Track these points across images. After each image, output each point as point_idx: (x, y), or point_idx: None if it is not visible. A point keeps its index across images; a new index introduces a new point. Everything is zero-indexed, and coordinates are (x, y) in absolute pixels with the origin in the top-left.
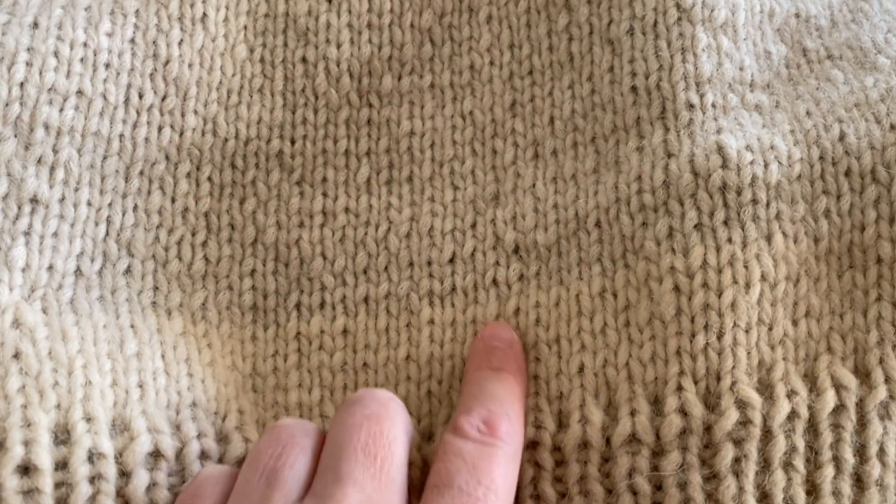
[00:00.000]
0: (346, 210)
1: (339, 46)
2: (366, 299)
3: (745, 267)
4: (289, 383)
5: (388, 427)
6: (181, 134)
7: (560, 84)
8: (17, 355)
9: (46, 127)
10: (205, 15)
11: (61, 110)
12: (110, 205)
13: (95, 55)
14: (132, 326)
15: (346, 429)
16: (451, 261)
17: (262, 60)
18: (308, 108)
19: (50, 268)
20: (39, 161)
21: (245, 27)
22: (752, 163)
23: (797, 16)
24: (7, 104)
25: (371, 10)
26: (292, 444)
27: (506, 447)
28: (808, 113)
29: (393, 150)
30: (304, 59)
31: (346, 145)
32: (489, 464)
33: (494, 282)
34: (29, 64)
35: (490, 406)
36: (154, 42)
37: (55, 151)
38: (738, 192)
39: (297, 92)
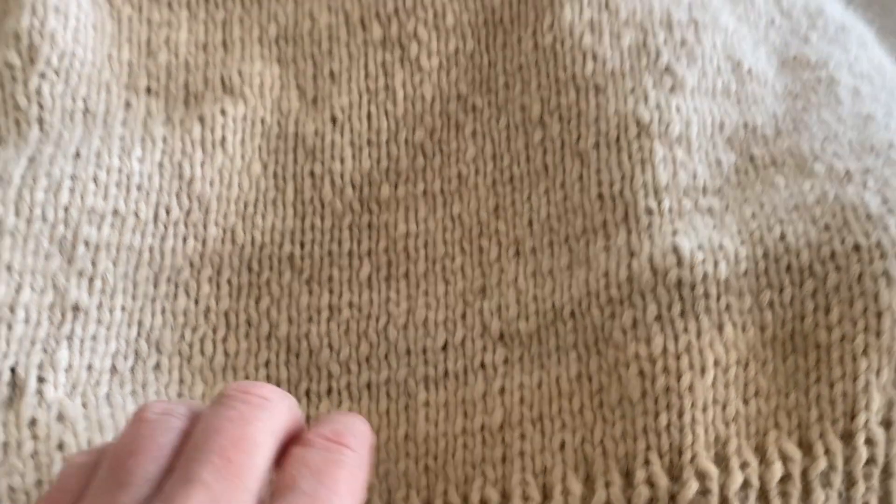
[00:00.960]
0: (350, 305)
1: (342, 161)
2: (368, 385)
3: (700, 354)
4: None
5: (253, 431)
6: (203, 243)
7: (537, 190)
8: (60, 446)
9: (86, 244)
10: (223, 138)
11: (99, 228)
12: (141, 309)
13: (128, 178)
14: None
15: (207, 431)
16: (444, 348)
17: (275, 175)
18: (315, 215)
19: (89, 367)
20: (80, 273)
21: (259, 147)
22: (703, 261)
23: (745, 126)
24: (53, 225)
25: (370, 129)
26: (149, 443)
27: (352, 455)
28: (753, 215)
29: (391, 250)
30: (311, 173)
31: (349, 247)
32: (334, 469)
33: (482, 365)
34: (72, 189)
35: (337, 425)
36: (179, 164)
37: (94, 264)
38: (692, 288)
39: (306, 202)
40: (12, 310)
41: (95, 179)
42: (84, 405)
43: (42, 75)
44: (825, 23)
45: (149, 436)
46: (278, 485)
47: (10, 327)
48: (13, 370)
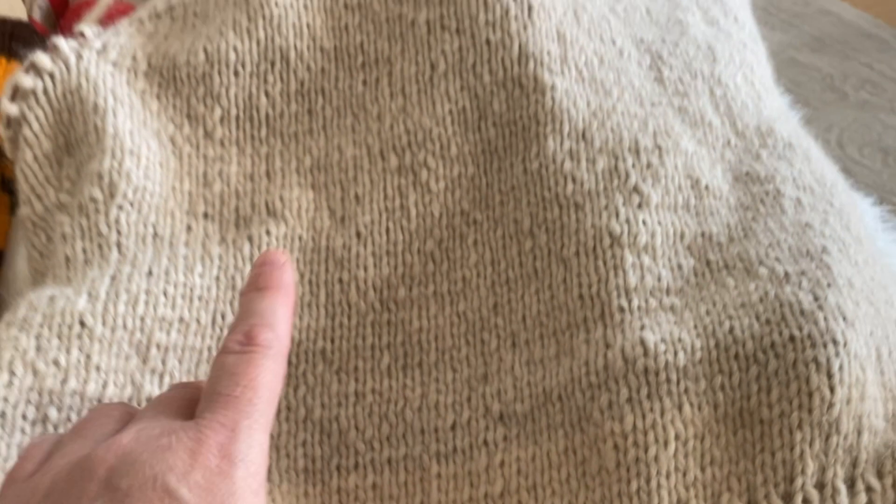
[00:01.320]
0: (373, 391)
1: (365, 269)
2: (389, 460)
3: (664, 429)
4: None
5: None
6: None
7: (529, 290)
8: None
9: (158, 346)
10: None
11: (168, 333)
12: None
13: (191, 291)
14: None
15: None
16: (453, 427)
17: (310, 283)
18: (343, 315)
19: None
20: (153, 371)
21: (297, 259)
22: (665, 352)
23: (703, 235)
24: (132, 332)
25: (389, 241)
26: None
27: (266, 351)
28: (707, 312)
29: (407, 343)
30: (340, 280)
31: (371, 341)
32: (247, 367)
33: (485, 442)
34: (146, 302)
35: (252, 321)
36: (232, 277)
37: (163, 363)
38: (656, 374)
39: (336, 304)
40: (100, 402)
41: (165, 293)
42: None
43: (120, 207)
44: (774, 141)
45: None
46: (203, 392)
47: None
48: None
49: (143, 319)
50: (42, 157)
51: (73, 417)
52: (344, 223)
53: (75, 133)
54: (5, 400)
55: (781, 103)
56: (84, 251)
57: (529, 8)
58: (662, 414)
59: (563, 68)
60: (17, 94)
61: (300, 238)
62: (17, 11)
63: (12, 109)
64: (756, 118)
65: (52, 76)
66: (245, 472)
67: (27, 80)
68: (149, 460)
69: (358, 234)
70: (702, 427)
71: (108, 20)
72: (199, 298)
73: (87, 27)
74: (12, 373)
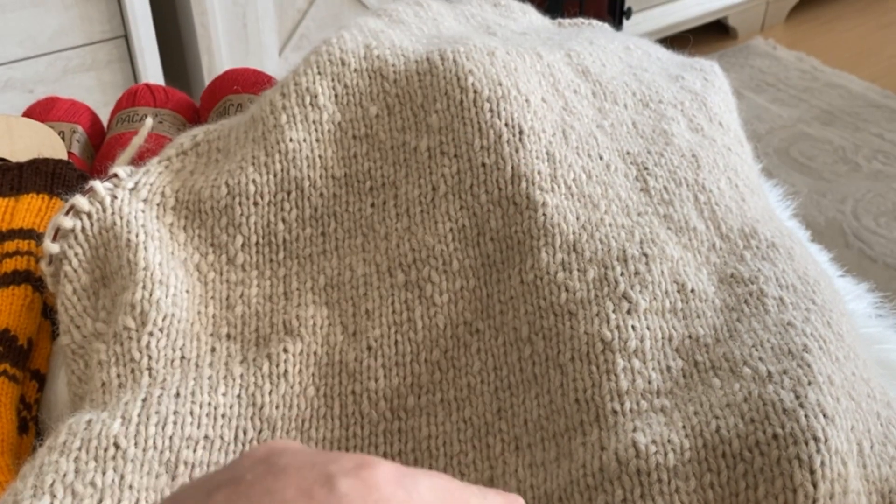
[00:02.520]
0: None
1: (376, 381)
2: None
3: None
4: None
5: None
6: None
7: (529, 395)
8: None
9: (185, 463)
10: (286, 371)
11: (195, 451)
12: None
13: (215, 410)
14: None
15: None
16: None
17: (324, 395)
18: (357, 425)
19: None
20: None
21: (313, 374)
22: (655, 453)
23: (690, 337)
24: (161, 451)
25: (397, 353)
26: None
27: None
28: (695, 413)
29: (417, 450)
30: (353, 392)
31: (384, 449)
32: None
33: None
34: (175, 423)
35: None
36: (252, 394)
37: (190, 478)
38: (648, 475)
39: (349, 414)
40: None
41: (192, 413)
42: None
43: (150, 334)
44: (758, 242)
45: None
46: None
47: None
48: None
49: (171, 439)
50: (80, 290)
51: None
52: (356, 337)
53: (110, 266)
54: None
55: (767, 202)
56: (118, 376)
57: (520, 132)
58: None
59: (553, 186)
60: (58, 234)
61: (315, 353)
62: (59, 152)
63: (54, 248)
64: (740, 220)
65: (89, 216)
66: None
67: (67, 222)
68: None
69: (369, 348)
70: None
71: (140, 158)
72: (223, 416)
73: (121, 168)
74: (53, 495)
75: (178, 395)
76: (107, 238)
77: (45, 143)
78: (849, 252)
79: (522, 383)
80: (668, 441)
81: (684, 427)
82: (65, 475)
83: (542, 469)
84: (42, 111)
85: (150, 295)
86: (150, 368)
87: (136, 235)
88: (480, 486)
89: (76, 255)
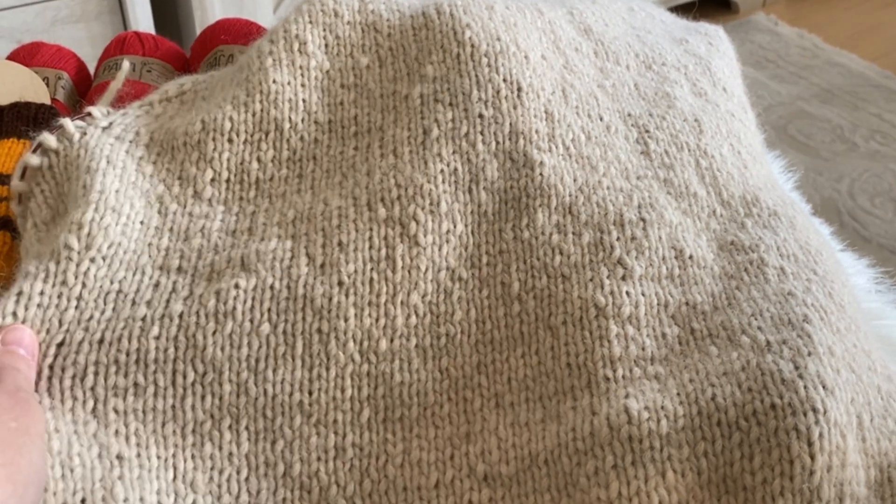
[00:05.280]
0: (353, 445)
1: (346, 320)
2: None
3: (647, 496)
4: None
5: None
6: (220, 398)
7: (514, 354)
8: None
9: (116, 411)
10: (234, 308)
11: (124, 399)
12: (174, 455)
13: (146, 355)
14: None
15: None
16: (436, 486)
17: (284, 332)
18: (321, 366)
19: (141, 499)
20: (116, 433)
21: (269, 309)
22: (648, 419)
23: (687, 304)
24: (84, 402)
25: (372, 292)
26: None
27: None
28: (690, 380)
29: (388, 396)
30: (318, 330)
31: (350, 393)
32: None
33: (470, 503)
34: (96, 373)
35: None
36: (193, 335)
37: (125, 426)
38: (640, 441)
39: (314, 355)
40: (70, 457)
41: (116, 361)
42: None
43: (92, 260)
44: (759, 210)
45: None
46: None
47: (72, 470)
48: (83, 502)
49: (93, 389)
50: (41, 223)
51: (49, 471)
52: (324, 270)
53: (70, 197)
54: None
55: (770, 170)
56: (41, 294)
57: (519, 89)
58: (646, 481)
59: (551, 145)
60: (26, 172)
61: (272, 287)
62: (42, 97)
63: (21, 187)
64: (741, 187)
65: (56, 153)
66: None
67: (34, 160)
68: None
69: (340, 283)
70: (685, 493)
71: (120, 102)
72: (155, 361)
73: (96, 108)
74: None
75: (101, 340)
76: (70, 171)
77: (27, 87)
78: (843, 231)
79: (507, 340)
80: (662, 408)
81: (679, 394)
82: None
83: (525, 429)
84: (26, 56)
85: (101, 219)
86: (79, 299)
87: (97, 163)
88: None
89: (42, 191)
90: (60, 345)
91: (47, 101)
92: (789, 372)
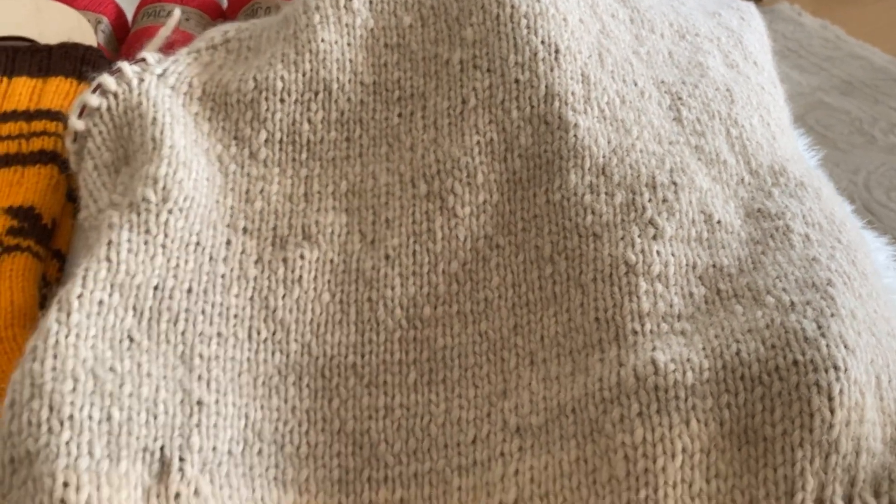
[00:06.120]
0: (401, 405)
1: (393, 289)
2: (415, 475)
3: (672, 443)
4: None
5: None
6: (287, 356)
7: (547, 313)
8: None
9: (200, 356)
10: (301, 276)
11: (208, 346)
12: (246, 405)
13: (227, 310)
14: (262, 499)
15: None
16: (473, 441)
17: (340, 301)
18: (372, 331)
19: (214, 449)
20: (199, 378)
21: (329, 280)
22: (674, 371)
23: (714, 266)
24: (175, 346)
25: (415, 263)
26: None
27: None
28: (716, 336)
29: (432, 360)
30: (369, 299)
31: (399, 357)
32: None
33: (502, 453)
34: (186, 320)
35: None
36: (265, 297)
37: (208, 371)
38: (665, 391)
39: (365, 321)
40: (156, 404)
41: (203, 312)
42: (211, 481)
43: (170, 212)
44: (786, 179)
45: None
46: None
47: (155, 417)
48: (162, 449)
49: (183, 334)
50: (101, 166)
51: (135, 417)
52: (374, 245)
53: (133, 145)
54: (72, 404)
55: (796, 144)
56: (129, 241)
57: (556, 51)
58: (671, 428)
59: (586, 107)
60: (84, 111)
61: (331, 261)
62: (89, 39)
63: (79, 125)
64: (770, 157)
65: (115, 96)
66: None
67: (94, 100)
68: None
69: (386, 257)
70: (708, 442)
71: (167, 49)
72: (235, 317)
73: (149, 54)
74: (76, 379)
75: (190, 290)
76: (132, 117)
77: (75, 28)
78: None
79: (541, 301)
80: (688, 360)
81: (704, 349)
82: (84, 360)
83: (555, 382)
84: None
85: (175, 173)
86: (164, 247)
87: (163, 116)
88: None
89: (100, 132)
90: (156, 288)
91: (94, 44)
92: (812, 331)
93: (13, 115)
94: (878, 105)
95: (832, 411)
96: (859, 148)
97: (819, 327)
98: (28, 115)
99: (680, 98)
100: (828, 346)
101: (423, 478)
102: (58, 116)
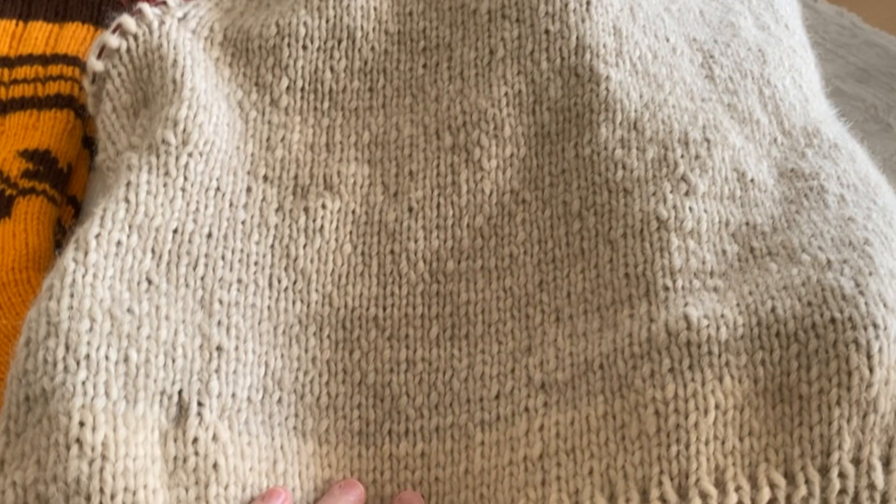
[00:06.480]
0: (423, 359)
1: (416, 242)
2: (437, 428)
3: (704, 399)
4: (384, 493)
5: None
6: (308, 306)
7: (574, 269)
8: (215, 465)
9: (220, 302)
10: (322, 226)
11: (228, 291)
12: (266, 353)
13: (248, 257)
14: (282, 448)
15: None
16: (497, 397)
17: (362, 253)
18: (394, 284)
19: (233, 395)
20: (219, 323)
21: (350, 231)
22: (708, 326)
23: (747, 224)
24: (194, 290)
25: (439, 216)
26: None
27: None
28: (750, 292)
29: (455, 315)
30: (391, 251)
31: (421, 311)
32: None
33: (526, 409)
34: (206, 265)
35: None
36: (286, 246)
37: (228, 317)
38: (698, 346)
39: (387, 274)
40: (174, 347)
41: (223, 257)
42: (229, 427)
43: (190, 154)
44: (820, 141)
45: None
46: None
47: (174, 361)
48: (180, 393)
49: (203, 279)
50: (120, 108)
51: (152, 359)
52: (397, 198)
53: (153, 87)
54: (88, 343)
55: (828, 109)
56: (148, 183)
57: (588, 2)
58: (703, 384)
59: (618, 61)
60: (103, 52)
61: (353, 212)
62: None
63: (98, 66)
64: (803, 119)
65: (135, 37)
66: None
67: (113, 40)
68: None
69: (410, 209)
70: (741, 399)
71: None
72: (256, 264)
73: None
74: (92, 319)
75: (209, 235)
76: (152, 59)
77: None
78: None
79: (568, 257)
80: (722, 316)
81: (738, 305)
82: (101, 301)
83: (582, 339)
84: None
85: (195, 116)
86: (183, 190)
87: (184, 58)
88: None
89: (119, 74)
90: (175, 231)
91: None
92: (850, 289)
93: (29, 59)
94: (894, 93)
95: (871, 370)
96: (874, 136)
97: (857, 285)
98: (44, 60)
99: (712, 56)
100: (866, 304)
101: (445, 432)
102: (75, 61)
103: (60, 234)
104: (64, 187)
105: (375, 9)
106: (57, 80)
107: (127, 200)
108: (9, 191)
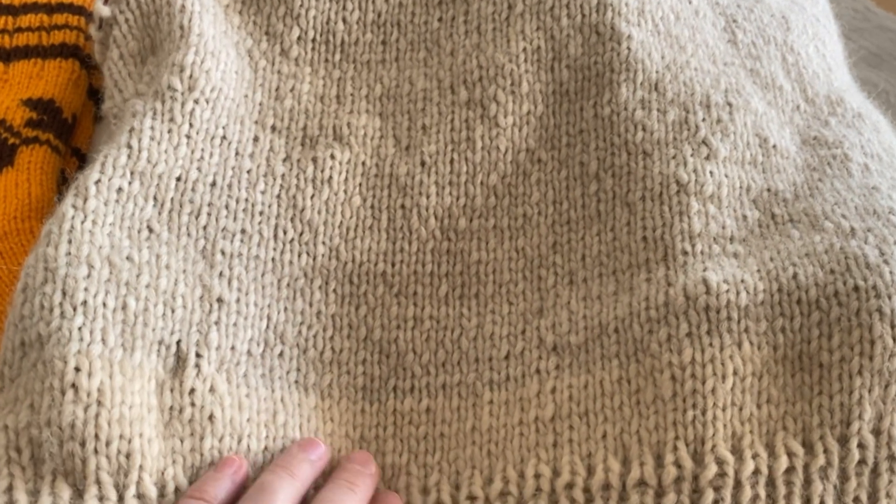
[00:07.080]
0: (431, 317)
1: (427, 197)
2: (443, 386)
3: (722, 364)
4: (386, 448)
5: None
6: (314, 258)
7: (590, 232)
8: (211, 417)
9: (223, 253)
10: (331, 177)
11: (231, 242)
12: (269, 306)
13: (252, 206)
14: (282, 400)
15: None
16: (506, 357)
17: (372, 206)
18: (404, 240)
19: (232, 348)
20: (221, 275)
21: (360, 184)
22: (727, 291)
23: (769, 190)
24: (196, 240)
25: (452, 172)
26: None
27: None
28: (771, 259)
29: (465, 273)
30: (402, 206)
31: (431, 268)
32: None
33: (537, 371)
34: (209, 214)
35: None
36: (293, 196)
37: (230, 268)
38: (717, 311)
39: (397, 229)
40: (174, 297)
41: (227, 207)
42: (228, 380)
43: (196, 101)
44: (844, 110)
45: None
46: None
47: (173, 311)
48: (178, 344)
49: (205, 229)
50: (127, 56)
51: (151, 308)
52: (409, 151)
53: (160, 34)
54: (86, 290)
55: (851, 80)
56: (152, 129)
57: None
58: (722, 349)
59: (640, 20)
60: None
61: (363, 164)
62: None
63: (105, 11)
64: (826, 87)
65: None
66: None
67: None
68: None
69: (422, 163)
70: (760, 366)
71: None
72: (261, 213)
73: None
74: (90, 266)
75: (214, 184)
76: (159, 4)
77: None
78: None
79: (584, 219)
80: (742, 281)
81: (759, 271)
82: (100, 247)
83: (597, 302)
84: None
85: (202, 62)
86: (188, 137)
87: (192, 3)
88: None
89: (126, 20)
90: (178, 179)
91: None
92: (875, 257)
93: (34, 7)
94: None
95: (895, 339)
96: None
97: (882, 254)
98: (49, 8)
99: (735, 20)
100: (891, 272)
101: (452, 389)
102: (80, 11)
103: (64, 186)
104: (68, 138)
105: None
106: (62, 29)
107: (129, 146)
108: (12, 139)
